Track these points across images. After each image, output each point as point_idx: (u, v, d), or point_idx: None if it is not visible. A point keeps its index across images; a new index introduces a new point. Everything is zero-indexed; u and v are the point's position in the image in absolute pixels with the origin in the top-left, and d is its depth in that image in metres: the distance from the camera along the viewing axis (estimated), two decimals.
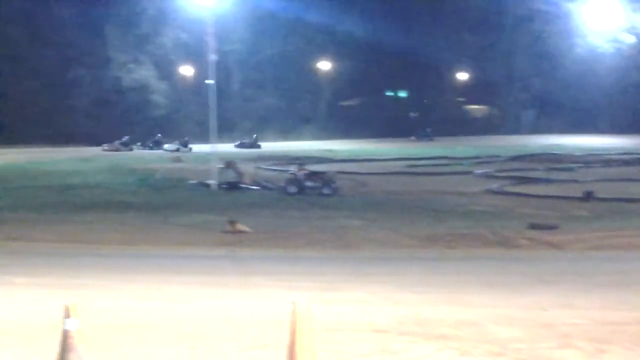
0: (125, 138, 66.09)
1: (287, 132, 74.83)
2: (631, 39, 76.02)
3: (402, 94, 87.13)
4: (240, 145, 65.06)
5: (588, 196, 28.34)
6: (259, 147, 64.91)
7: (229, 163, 36.85)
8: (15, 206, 26.80)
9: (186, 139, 64.98)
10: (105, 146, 64.36)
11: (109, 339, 8.71)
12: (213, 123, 38.51)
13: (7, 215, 23.86)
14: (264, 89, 78.29)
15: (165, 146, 64.39)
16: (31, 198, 30.06)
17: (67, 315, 6.90)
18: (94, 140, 66.18)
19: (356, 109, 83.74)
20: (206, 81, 41.15)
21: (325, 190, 31.36)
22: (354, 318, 10.23)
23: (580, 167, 43.19)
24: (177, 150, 62.00)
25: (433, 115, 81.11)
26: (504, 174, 38.74)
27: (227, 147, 55.80)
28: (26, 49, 71.31)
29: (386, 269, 15.58)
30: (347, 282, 13.48)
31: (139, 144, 66.54)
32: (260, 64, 77.87)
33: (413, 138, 73.82)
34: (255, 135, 68.37)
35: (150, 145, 66.20)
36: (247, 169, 40.11)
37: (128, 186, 35.42)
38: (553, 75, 78.96)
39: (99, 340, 8.33)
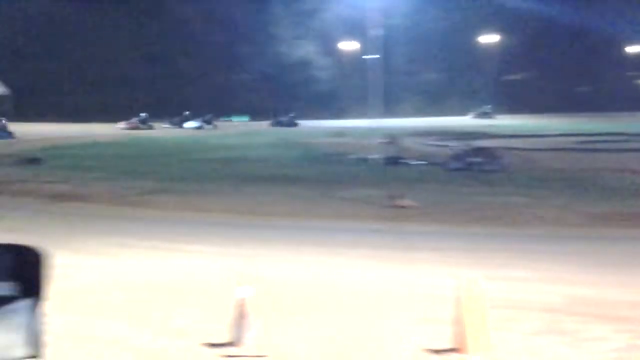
0: (143, 115, 61.76)
1: (449, 107, 73.96)
2: None
3: (569, 67, 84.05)
4: (277, 124, 60.33)
5: None
6: (295, 125, 59.72)
7: (391, 137, 36.83)
8: (183, 178, 27.88)
9: (210, 115, 60.55)
10: (123, 124, 60.35)
11: (280, 307, 8.94)
12: (374, 98, 38.55)
13: (175, 187, 24.86)
14: (427, 63, 77.60)
15: (186, 124, 60.38)
16: (199, 170, 31.21)
17: (240, 283, 7.13)
18: (257, 115, 67.84)
19: (521, 83, 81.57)
20: (365, 57, 41.25)
21: (490, 166, 30.76)
22: (523, 296, 10.01)
23: None
24: (200, 127, 57.75)
25: (605, 90, 77.78)
26: None
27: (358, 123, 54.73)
28: (196, 28, 73.95)
29: (555, 248, 15.10)
30: (514, 260, 13.20)
31: (167, 121, 62.58)
32: (424, 38, 77.19)
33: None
34: (292, 114, 62.68)
35: (177, 122, 62.43)
36: (410, 143, 39.95)
37: (292, 160, 36.12)
38: None
39: (270, 308, 8.56)
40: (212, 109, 70.51)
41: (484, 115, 70.37)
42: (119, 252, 13.36)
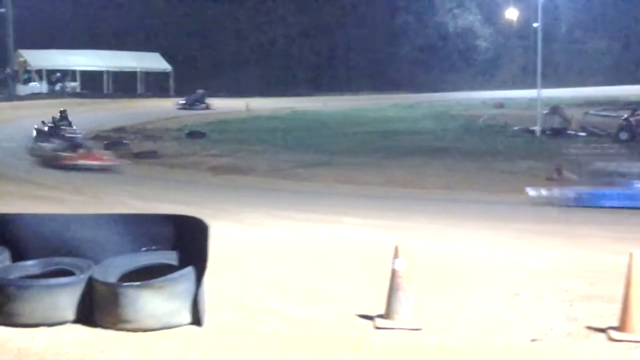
0: (200, 91, 55.83)
1: (617, 76, 70.65)
2: None
3: None
4: (185, 105, 52.14)
5: None
6: (205, 106, 51.99)
7: (555, 109, 35.68)
8: (340, 151, 28.08)
9: (202, 92, 54.51)
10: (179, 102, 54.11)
11: (436, 281, 8.80)
12: (540, 68, 37.37)
13: (333, 159, 25.07)
14: (594, 31, 74.41)
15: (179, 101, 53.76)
16: (357, 143, 31.35)
17: (396, 256, 7.05)
18: (418, 87, 67.33)
19: None
20: (534, 24, 39.97)
21: None
22: None
23: None
24: (187, 107, 51.64)
25: None
26: None
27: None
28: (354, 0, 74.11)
29: None
30: None
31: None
32: (590, 4, 73.99)
33: None
34: (201, 91, 54.82)
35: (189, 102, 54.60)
36: (574, 114, 38.52)
37: (451, 132, 35.67)
38: None
39: (425, 281, 8.45)
40: (371, 82, 70.66)
41: None
42: (274, 223, 13.60)
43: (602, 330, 6.90)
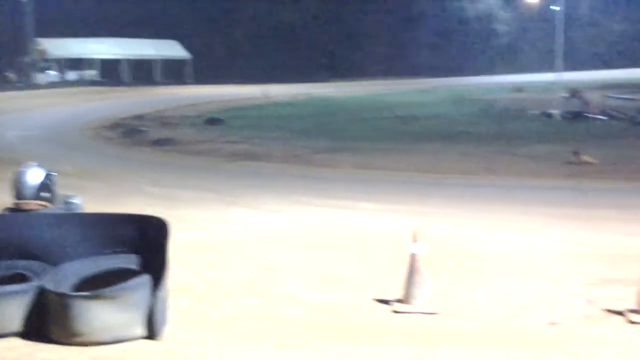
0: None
1: (632, 59, 70.00)
2: None
3: None
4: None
5: None
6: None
7: (574, 92, 35.46)
8: (358, 136, 28.00)
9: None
10: None
11: (454, 265, 8.81)
12: (559, 51, 37.09)
13: (351, 145, 25.01)
14: (615, 14, 73.69)
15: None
16: (374, 128, 31.27)
17: (414, 240, 7.06)
18: (437, 71, 67.04)
19: None
20: (552, 7, 39.66)
21: None
22: None
23: None
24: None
25: None
26: None
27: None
28: None
29: None
30: None
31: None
32: None
33: None
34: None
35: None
36: (594, 97, 38.25)
37: (469, 116, 35.50)
38: None
39: (443, 266, 8.45)
40: (389, 67, 70.43)
41: None
42: (293, 209, 13.62)
43: (621, 313, 6.88)
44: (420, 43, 74.24)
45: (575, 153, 20.38)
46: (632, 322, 6.69)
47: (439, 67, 68.32)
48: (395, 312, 6.97)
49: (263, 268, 8.62)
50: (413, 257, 7.05)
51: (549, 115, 33.67)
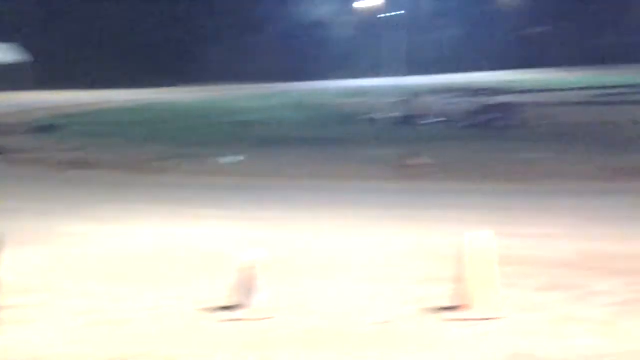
0: None
1: (468, 63, 73.10)
2: None
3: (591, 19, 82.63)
4: None
5: None
6: None
7: (409, 96, 36.54)
8: (200, 142, 27.68)
9: None
10: None
11: (286, 270, 8.84)
12: (392, 56, 38.15)
13: (192, 151, 24.70)
14: (447, 20, 76.66)
15: None
16: (213, 134, 31.05)
17: (249, 246, 7.06)
18: (277, 76, 67.37)
19: (542, 36, 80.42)
20: (384, 14, 40.78)
21: (507, 122, 30.40)
22: (535, 252, 9.90)
23: None
24: None
25: (626, 41, 76.43)
26: None
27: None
28: None
29: (571, 203, 14.92)
30: (529, 216, 13.05)
31: None
32: None
33: None
34: None
35: None
36: (427, 101, 39.61)
37: (308, 121, 35.93)
38: None
39: (281, 271, 8.46)
40: (228, 72, 70.17)
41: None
42: (127, 218, 13.32)
43: (447, 310, 7.14)
44: (261, 48, 74.50)
45: (407, 155, 20.96)
46: (454, 320, 6.96)
47: (282, 72, 68.70)
48: (224, 320, 6.94)
49: (89, 278, 8.39)
50: (247, 263, 7.04)
51: (385, 119, 34.54)
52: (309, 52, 74.36)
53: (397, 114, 34.54)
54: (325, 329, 6.73)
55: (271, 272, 7.45)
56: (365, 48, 74.59)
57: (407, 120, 33.51)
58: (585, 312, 7.18)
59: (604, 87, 47.32)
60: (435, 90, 49.73)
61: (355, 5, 76.05)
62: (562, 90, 47.89)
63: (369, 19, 73.12)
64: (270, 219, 13.09)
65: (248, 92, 57.53)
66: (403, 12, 38.35)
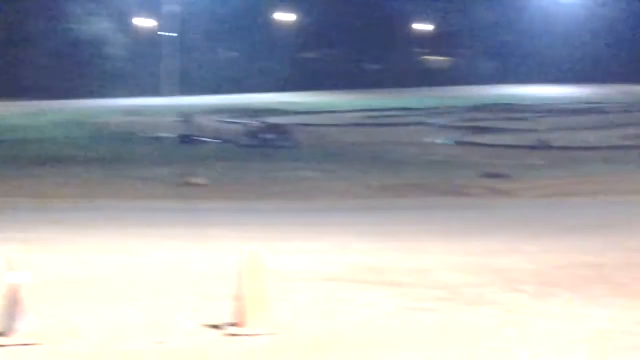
0: None
1: (247, 85, 74.21)
2: None
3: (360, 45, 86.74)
4: None
5: (542, 145, 28.64)
6: None
7: (186, 116, 36.55)
8: None
9: None
10: None
11: (58, 293, 8.63)
12: (169, 76, 38.04)
13: None
14: (225, 41, 77.39)
15: None
16: None
17: (13, 269, 6.81)
18: (48, 94, 64.97)
19: (315, 61, 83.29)
20: (161, 33, 40.54)
21: (283, 143, 31.25)
22: (307, 267, 10.27)
23: (537, 116, 43.35)
24: None
25: (393, 67, 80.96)
26: (461, 124, 38.88)
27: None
28: None
29: (341, 220, 15.65)
30: (301, 233, 13.51)
31: None
32: (221, 16, 76.88)
33: None
34: None
35: None
36: (205, 122, 39.79)
37: (80, 140, 34.94)
38: (515, 25, 78.96)
39: (47, 293, 8.24)
40: None
41: None
42: None
43: (227, 326, 7.28)
44: (29, 64, 71.49)
45: (185, 175, 21.04)
46: (233, 335, 7.12)
47: (51, 89, 66.18)
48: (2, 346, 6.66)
49: None
50: (12, 287, 6.79)
51: (162, 139, 34.33)
52: (85, 69, 72.33)
53: (176, 133, 34.44)
54: (97, 354, 6.65)
55: (40, 296, 7.25)
56: (144, 67, 73.65)
57: (187, 139, 33.52)
58: (350, 322, 7.57)
59: (374, 110, 49.84)
60: (215, 111, 50.02)
61: (135, 22, 75.01)
62: (335, 112, 49.82)
63: (150, 37, 72.37)
64: (36, 240, 12.59)
65: (15, 110, 54.92)
66: (176, 34, 38.24)
